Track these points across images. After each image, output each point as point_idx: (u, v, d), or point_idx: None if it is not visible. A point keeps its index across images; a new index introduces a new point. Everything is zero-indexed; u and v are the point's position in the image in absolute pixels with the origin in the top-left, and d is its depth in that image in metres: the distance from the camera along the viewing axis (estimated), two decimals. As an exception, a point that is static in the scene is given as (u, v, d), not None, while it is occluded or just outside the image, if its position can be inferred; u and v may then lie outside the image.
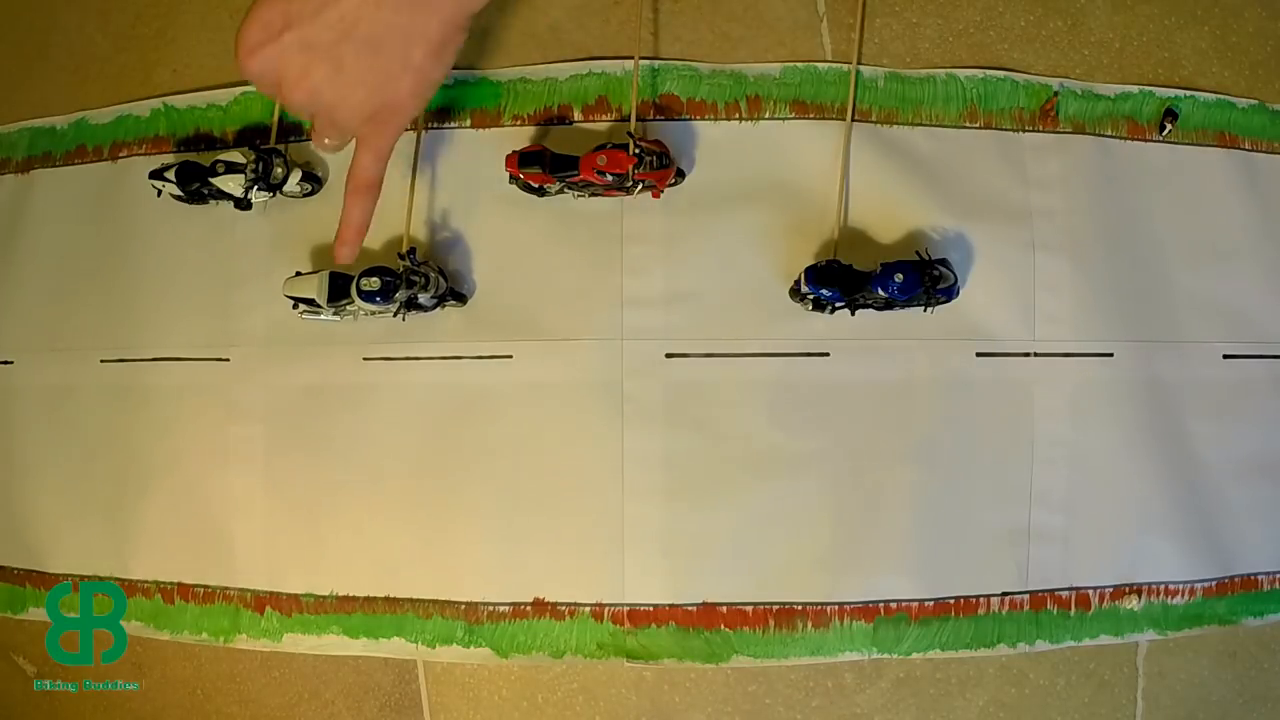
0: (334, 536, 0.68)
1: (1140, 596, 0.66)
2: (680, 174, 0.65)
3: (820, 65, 0.66)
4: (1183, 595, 0.67)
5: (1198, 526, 0.67)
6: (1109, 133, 0.67)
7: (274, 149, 0.67)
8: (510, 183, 0.64)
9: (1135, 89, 0.67)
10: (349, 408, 0.68)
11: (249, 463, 0.69)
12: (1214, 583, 0.67)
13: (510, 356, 0.66)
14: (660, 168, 0.62)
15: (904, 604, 0.65)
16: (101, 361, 0.72)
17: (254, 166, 0.65)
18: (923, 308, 0.62)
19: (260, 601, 0.70)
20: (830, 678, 0.66)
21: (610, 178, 0.61)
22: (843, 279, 0.61)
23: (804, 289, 0.62)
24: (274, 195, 0.67)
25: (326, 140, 0.52)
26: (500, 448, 0.66)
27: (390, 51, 0.44)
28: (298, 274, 0.65)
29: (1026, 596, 0.66)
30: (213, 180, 0.66)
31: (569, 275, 0.66)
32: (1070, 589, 0.66)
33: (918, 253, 0.62)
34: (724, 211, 0.65)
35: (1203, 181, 0.67)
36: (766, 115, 0.66)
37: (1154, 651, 0.68)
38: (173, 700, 0.74)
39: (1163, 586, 0.67)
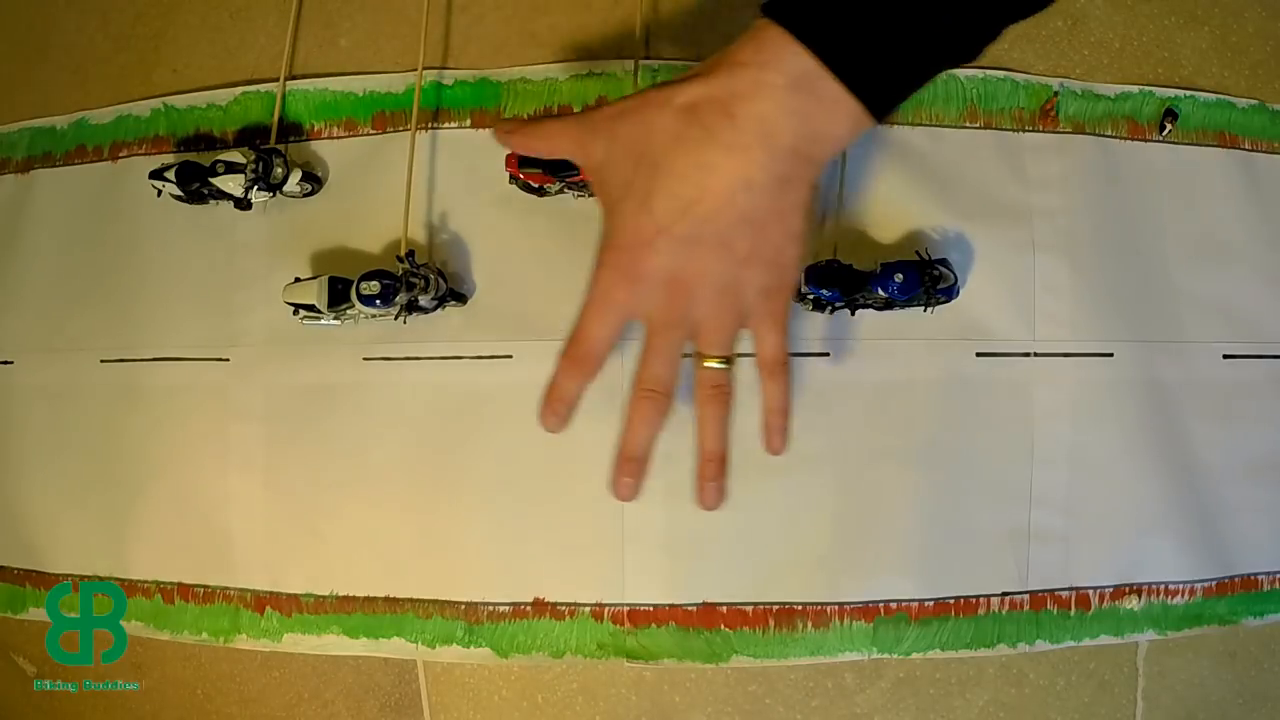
0: (334, 536, 0.68)
1: (1140, 596, 0.66)
2: (680, 174, 0.64)
3: (820, 65, 0.66)
4: (1183, 595, 0.67)
5: (1198, 526, 0.67)
6: (1109, 133, 0.67)
7: (274, 149, 0.67)
8: (510, 183, 0.64)
9: (1135, 89, 0.67)
10: (349, 407, 0.68)
11: (249, 462, 0.69)
12: (1214, 583, 0.67)
13: (510, 356, 0.66)
14: (660, 168, 0.62)
15: (904, 604, 0.65)
16: (101, 361, 0.72)
17: (254, 166, 0.65)
18: (923, 308, 0.62)
19: (260, 601, 0.69)
20: (830, 678, 0.66)
21: (610, 178, 0.61)
22: (843, 279, 0.61)
23: (804, 289, 0.62)
24: (274, 195, 0.67)
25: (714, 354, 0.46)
26: (500, 447, 0.66)
27: (773, 226, 0.41)
28: (296, 280, 0.65)
29: (1026, 596, 0.66)
30: (213, 180, 0.66)
31: (569, 275, 0.66)
32: (1070, 589, 0.66)
33: (918, 253, 0.62)
34: (724, 211, 0.65)
35: (1203, 181, 0.67)
36: (766, 115, 0.66)
37: (1154, 651, 0.68)
38: (173, 700, 0.73)
39: (1163, 586, 0.67)
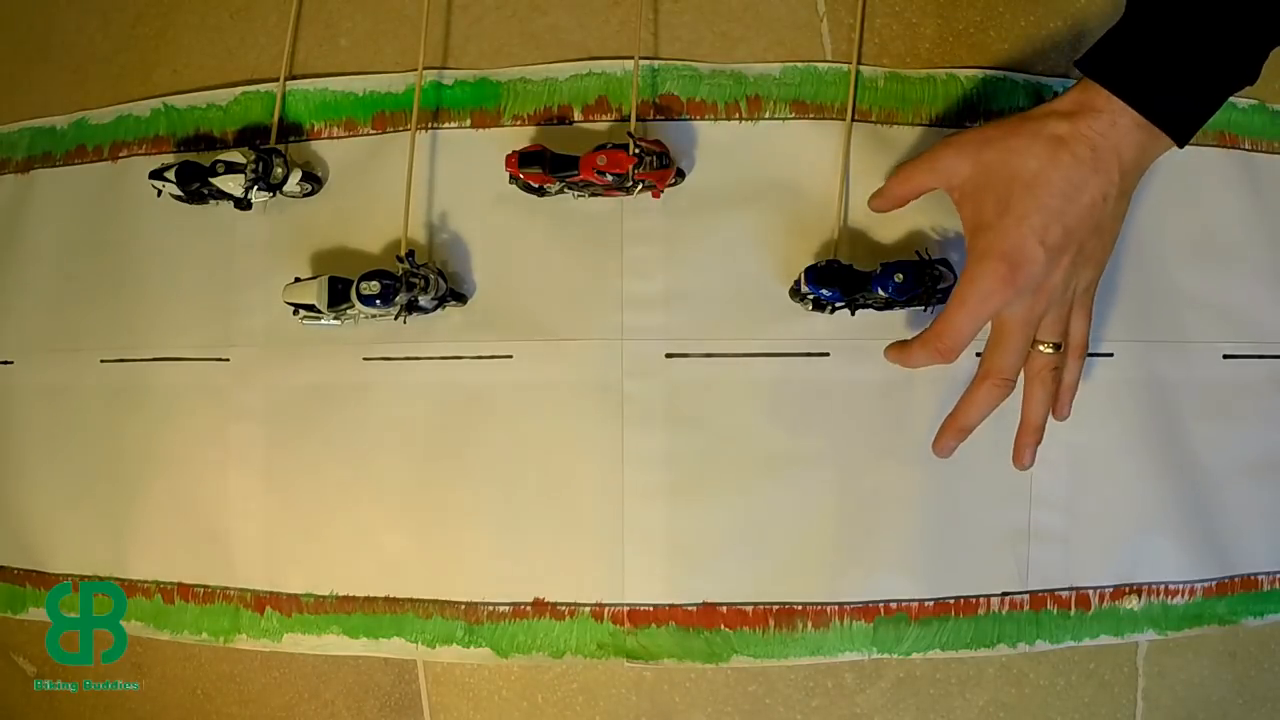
0: (334, 536, 0.68)
1: (1140, 596, 0.66)
2: (680, 174, 0.65)
3: (820, 65, 0.66)
4: (1183, 595, 0.67)
5: (1198, 526, 0.67)
6: (1109, 133, 0.67)
7: (274, 149, 0.67)
8: (510, 183, 0.64)
9: (1135, 89, 0.67)
10: (349, 407, 0.68)
11: (249, 462, 0.69)
12: (1214, 583, 0.67)
13: (510, 356, 0.66)
14: (660, 168, 0.62)
15: (904, 604, 0.65)
16: (101, 361, 0.72)
17: (254, 166, 0.65)
18: (923, 308, 0.62)
19: (260, 601, 0.70)
20: (830, 678, 0.66)
21: (610, 178, 0.61)
22: (843, 279, 0.61)
23: (804, 289, 0.62)
24: (274, 195, 0.67)
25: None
26: (500, 448, 0.66)
27: (1109, 232, 0.51)
28: (296, 280, 0.65)
29: (1026, 596, 0.66)
30: (213, 180, 0.66)
31: (569, 275, 0.66)
32: (1070, 589, 0.66)
33: (918, 252, 0.62)
34: (724, 211, 0.65)
35: (1203, 181, 0.67)
36: (766, 115, 0.66)
37: (1154, 651, 0.68)
38: (173, 700, 0.74)
39: (1163, 586, 0.67)
